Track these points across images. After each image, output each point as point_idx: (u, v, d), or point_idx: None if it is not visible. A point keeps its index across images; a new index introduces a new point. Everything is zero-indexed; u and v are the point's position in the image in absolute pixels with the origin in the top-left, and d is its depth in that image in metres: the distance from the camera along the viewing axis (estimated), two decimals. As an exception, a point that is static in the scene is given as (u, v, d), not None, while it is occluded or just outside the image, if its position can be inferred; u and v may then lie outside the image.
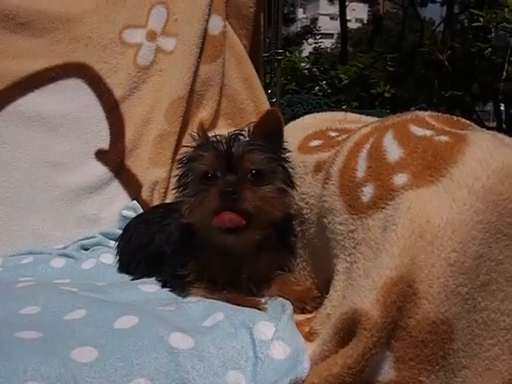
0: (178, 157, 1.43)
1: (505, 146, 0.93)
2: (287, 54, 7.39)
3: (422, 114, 1.08)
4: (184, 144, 1.64)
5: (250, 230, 1.05)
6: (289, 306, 1.00)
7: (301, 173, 1.16)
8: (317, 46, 11.84)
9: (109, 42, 1.74)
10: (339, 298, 0.95)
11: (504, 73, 5.18)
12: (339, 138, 1.17)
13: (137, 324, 0.91)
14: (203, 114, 1.75)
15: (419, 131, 1.00)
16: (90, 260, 1.39)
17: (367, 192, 0.97)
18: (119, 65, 1.73)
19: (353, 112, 1.44)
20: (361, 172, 1.00)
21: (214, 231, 1.05)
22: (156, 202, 1.63)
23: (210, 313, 0.96)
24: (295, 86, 7.58)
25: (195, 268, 1.12)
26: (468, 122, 1.08)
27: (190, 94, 1.71)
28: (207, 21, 1.74)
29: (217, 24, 1.76)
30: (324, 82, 8.09)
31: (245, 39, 1.87)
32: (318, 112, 1.45)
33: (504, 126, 7.07)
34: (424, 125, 1.02)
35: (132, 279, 1.28)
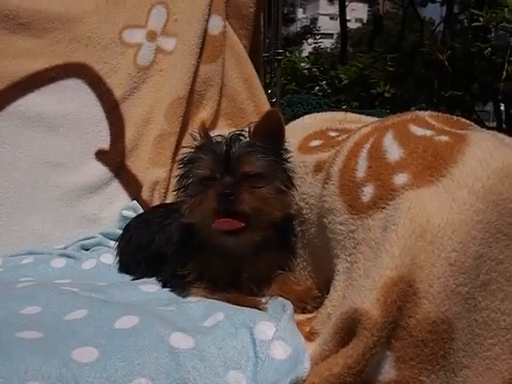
0: (178, 157, 1.43)
1: (505, 146, 0.93)
2: (287, 54, 7.39)
3: (422, 113, 1.08)
4: (184, 144, 1.65)
5: (250, 232, 1.06)
6: (289, 306, 1.00)
7: (301, 173, 1.16)
8: (317, 45, 11.83)
9: (109, 42, 1.74)
10: (339, 297, 0.95)
11: (504, 73, 5.18)
12: (339, 138, 1.17)
13: (137, 324, 0.91)
14: (203, 114, 1.75)
15: (419, 131, 1.00)
16: (90, 260, 1.39)
17: (367, 192, 0.97)
18: (119, 65, 1.73)
19: (353, 112, 1.44)
20: (361, 172, 1.00)
21: (214, 233, 1.06)
22: (156, 202, 1.63)
23: (210, 313, 0.97)
24: (295, 86, 7.58)
25: (195, 268, 1.12)
26: (468, 121, 1.08)
27: (190, 94, 1.71)
28: (207, 21, 1.74)
29: (217, 24, 1.77)
30: (324, 82, 8.09)
31: (245, 39, 1.87)
32: (317, 112, 1.45)
33: (504, 125, 7.07)
34: (424, 125, 1.02)
35: (132, 279, 1.28)
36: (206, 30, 1.74)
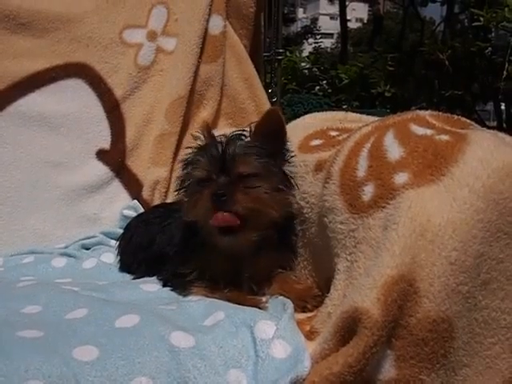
0: (180, 158, 1.43)
1: (505, 145, 0.93)
2: (287, 53, 7.38)
3: (422, 113, 1.08)
4: (185, 144, 1.65)
5: (246, 232, 1.06)
6: (290, 305, 1.00)
7: (301, 172, 1.16)
8: (317, 45, 11.85)
9: (109, 42, 1.74)
10: (340, 296, 0.95)
11: (504, 72, 5.18)
12: (340, 138, 1.17)
13: (138, 323, 0.91)
14: (204, 113, 1.75)
15: (420, 130, 1.00)
16: (90, 259, 1.39)
17: (368, 191, 0.97)
18: (120, 65, 1.73)
19: (353, 111, 1.44)
20: (361, 171, 1.00)
21: (211, 232, 1.07)
22: (157, 202, 1.63)
23: (210, 312, 0.97)
24: (295, 86, 7.57)
25: (196, 267, 1.13)
26: (468, 121, 1.08)
27: (190, 93, 1.71)
28: (207, 21, 1.75)
29: (217, 24, 1.77)
30: (324, 82, 8.09)
31: (245, 39, 1.87)
32: (318, 112, 1.45)
33: (504, 125, 7.06)
34: (425, 124, 1.02)
35: (133, 278, 1.28)
36: (206, 30, 1.74)
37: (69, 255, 1.42)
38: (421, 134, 0.99)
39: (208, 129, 1.19)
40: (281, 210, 1.09)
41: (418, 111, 1.10)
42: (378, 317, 0.81)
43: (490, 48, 6.46)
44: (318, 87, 8.00)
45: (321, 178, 1.10)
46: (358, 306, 0.83)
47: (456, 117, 1.09)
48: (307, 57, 8.88)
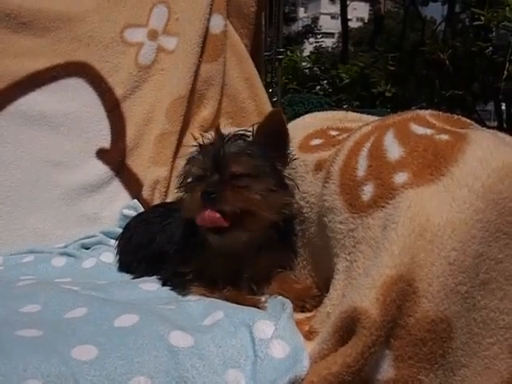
0: (181, 157, 1.44)
1: (505, 145, 0.93)
2: (288, 53, 7.40)
3: (422, 112, 1.08)
4: (185, 144, 1.66)
5: (236, 231, 1.06)
6: (289, 305, 1.00)
7: (301, 172, 1.16)
8: (318, 45, 11.85)
9: (110, 41, 1.74)
10: (339, 296, 0.95)
11: (505, 72, 5.18)
12: (340, 137, 1.17)
13: (137, 322, 0.91)
14: (204, 113, 1.75)
15: (420, 130, 1.00)
16: (90, 259, 1.40)
17: (367, 191, 0.97)
18: (120, 64, 1.73)
19: (354, 111, 1.44)
20: (361, 171, 1.00)
21: (201, 230, 1.07)
22: (157, 201, 1.63)
23: (209, 311, 0.97)
24: (296, 86, 7.58)
25: (196, 267, 1.12)
26: (469, 121, 1.08)
27: (191, 93, 1.71)
28: (208, 20, 1.75)
29: (218, 23, 1.77)
30: (325, 82, 8.10)
31: (246, 38, 1.87)
32: (318, 111, 1.45)
33: (505, 125, 7.07)
34: (425, 124, 1.02)
35: (132, 278, 1.28)
36: (207, 29, 1.74)
37: (68, 255, 1.42)
38: (421, 133, 0.99)
39: (218, 129, 1.19)
40: (273, 212, 1.08)
41: (418, 111, 1.10)
42: (376, 317, 0.81)
43: (490, 48, 6.47)
44: (318, 87, 8.01)
45: (321, 177, 1.10)
46: (357, 306, 0.83)
47: (456, 116, 1.09)
48: (308, 56, 8.90)
